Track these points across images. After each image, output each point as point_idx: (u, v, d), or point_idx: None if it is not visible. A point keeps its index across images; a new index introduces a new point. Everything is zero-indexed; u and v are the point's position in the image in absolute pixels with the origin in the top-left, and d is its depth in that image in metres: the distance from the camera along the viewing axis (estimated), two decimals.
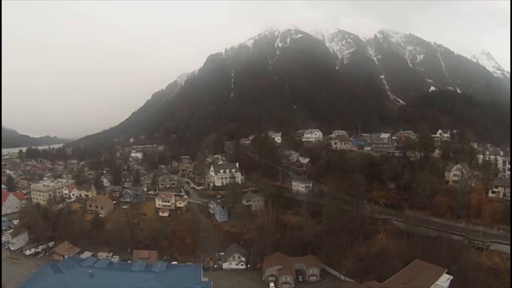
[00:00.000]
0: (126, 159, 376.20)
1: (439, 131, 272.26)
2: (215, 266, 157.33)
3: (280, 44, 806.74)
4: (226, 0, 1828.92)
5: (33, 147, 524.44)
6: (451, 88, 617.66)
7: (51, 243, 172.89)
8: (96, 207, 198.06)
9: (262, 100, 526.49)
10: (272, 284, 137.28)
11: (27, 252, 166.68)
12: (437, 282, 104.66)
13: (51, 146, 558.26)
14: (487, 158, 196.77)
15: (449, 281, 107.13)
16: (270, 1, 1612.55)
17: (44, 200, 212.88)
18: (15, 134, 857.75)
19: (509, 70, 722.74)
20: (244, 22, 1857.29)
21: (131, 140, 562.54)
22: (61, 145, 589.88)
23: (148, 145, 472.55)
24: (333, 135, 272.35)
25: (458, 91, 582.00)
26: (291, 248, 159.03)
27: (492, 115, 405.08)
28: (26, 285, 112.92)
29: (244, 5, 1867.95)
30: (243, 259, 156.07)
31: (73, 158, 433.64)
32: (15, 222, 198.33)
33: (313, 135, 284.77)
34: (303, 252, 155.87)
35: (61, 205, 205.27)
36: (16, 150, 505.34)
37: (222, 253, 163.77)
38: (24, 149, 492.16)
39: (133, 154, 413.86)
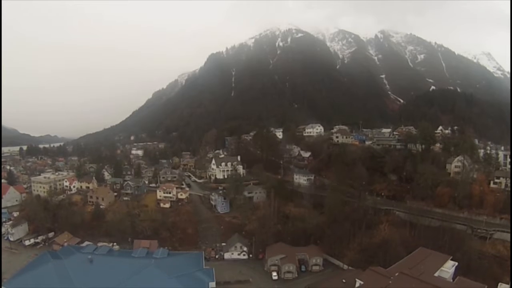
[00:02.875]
0: (127, 156, 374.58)
1: (440, 127, 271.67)
2: (217, 257, 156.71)
3: (281, 44, 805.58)
4: (227, 0, 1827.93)
5: (33, 145, 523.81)
6: (451, 88, 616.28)
7: (50, 234, 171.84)
8: (97, 198, 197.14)
9: (263, 99, 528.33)
10: (274, 273, 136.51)
11: (27, 243, 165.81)
12: (442, 268, 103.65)
13: (52, 145, 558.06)
14: (488, 152, 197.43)
15: (454, 267, 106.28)
16: (270, 1, 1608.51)
17: (44, 191, 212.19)
18: (15, 133, 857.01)
19: (509, 71, 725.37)
20: (244, 22, 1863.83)
21: (132, 138, 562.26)
22: (61, 144, 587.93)
23: (149, 143, 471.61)
24: (334, 130, 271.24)
25: (459, 91, 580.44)
26: (293, 239, 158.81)
27: (493, 114, 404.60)
28: (24, 271, 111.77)
29: (244, 5, 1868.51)
30: (245, 249, 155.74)
31: (73, 155, 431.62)
32: (15, 214, 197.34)
33: (314, 130, 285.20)
34: (306, 242, 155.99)
35: (61, 197, 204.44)
36: (16, 148, 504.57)
37: (224, 244, 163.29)
38: (24, 147, 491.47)
39: (133, 152, 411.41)
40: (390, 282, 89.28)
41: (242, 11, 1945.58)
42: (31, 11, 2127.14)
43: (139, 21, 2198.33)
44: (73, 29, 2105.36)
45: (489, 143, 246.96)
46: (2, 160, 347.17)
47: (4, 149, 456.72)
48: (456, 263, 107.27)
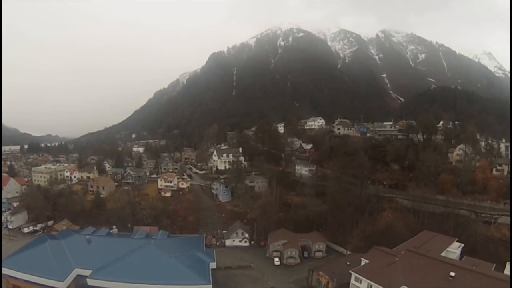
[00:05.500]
0: (129, 152, 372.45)
1: (441, 122, 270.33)
2: (218, 244, 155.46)
3: (282, 43, 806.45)
4: (228, 0, 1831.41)
5: (34, 143, 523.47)
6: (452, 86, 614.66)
7: (50, 222, 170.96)
8: (98, 187, 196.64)
9: (264, 97, 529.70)
10: (276, 259, 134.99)
11: (25, 230, 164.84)
12: (448, 249, 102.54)
13: (53, 144, 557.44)
14: (490, 142, 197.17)
15: (460, 248, 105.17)
16: (272, 1, 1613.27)
17: (45, 181, 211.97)
18: (16, 132, 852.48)
19: (510, 70, 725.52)
20: (246, 22, 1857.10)
21: (133, 135, 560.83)
22: (63, 142, 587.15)
23: (150, 140, 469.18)
24: (336, 122, 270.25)
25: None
26: (296, 226, 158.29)
27: (494, 111, 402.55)
28: (20, 251, 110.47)
29: (246, 4, 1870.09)
30: (246, 235, 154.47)
31: (74, 153, 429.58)
32: (15, 205, 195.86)
33: (316, 123, 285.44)
34: (308, 229, 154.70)
35: (62, 186, 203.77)
36: (17, 147, 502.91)
37: (225, 231, 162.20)
38: (26, 146, 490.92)
39: (135, 149, 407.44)
40: (397, 259, 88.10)
41: (243, 11, 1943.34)
42: (33, 10, 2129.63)
43: (141, 20, 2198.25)
44: (75, 29, 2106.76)
45: (490, 138, 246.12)
46: (3, 157, 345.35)
47: (5, 147, 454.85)
48: (462, 244, 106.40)
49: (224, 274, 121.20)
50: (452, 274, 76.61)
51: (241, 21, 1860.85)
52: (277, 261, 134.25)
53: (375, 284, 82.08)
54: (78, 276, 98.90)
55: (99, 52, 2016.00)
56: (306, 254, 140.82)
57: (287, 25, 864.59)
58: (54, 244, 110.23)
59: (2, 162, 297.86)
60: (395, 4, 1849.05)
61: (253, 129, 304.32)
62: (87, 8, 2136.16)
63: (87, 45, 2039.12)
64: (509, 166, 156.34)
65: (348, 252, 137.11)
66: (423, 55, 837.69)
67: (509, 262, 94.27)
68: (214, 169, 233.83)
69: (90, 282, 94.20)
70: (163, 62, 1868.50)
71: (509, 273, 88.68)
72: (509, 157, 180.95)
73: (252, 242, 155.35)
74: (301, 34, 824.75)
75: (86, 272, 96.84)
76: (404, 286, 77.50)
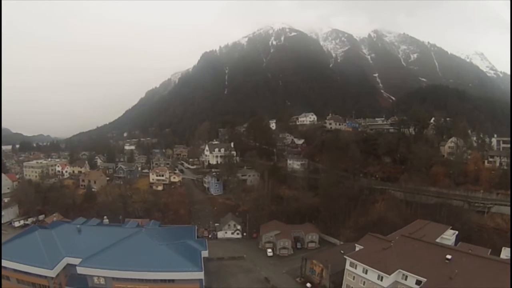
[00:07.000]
0: (120, 150, 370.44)
1: (433, 118, 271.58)
2: (210, 236, 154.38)
3: (274, 42, 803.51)
4: (220, 0, 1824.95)
5: (26, 142, 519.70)
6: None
7: (41, 216, 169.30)
8: (89, 181, 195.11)
9: (256, 96, 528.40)
10: (269, 250, 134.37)
11: (16, 224, 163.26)
12: (443, 236, 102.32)
13: (45, 143, 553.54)
14: (481, 136, 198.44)
15: (454, 235, 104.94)
16: (264, 1, 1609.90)
17: (36, 176, 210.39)
18: (8, 132, 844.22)
19: (503, 70, 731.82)
20: (238, 22, 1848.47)
21: (125, 134, 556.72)
22: (54, 141, 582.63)
23: (142, 139, 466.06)
24: (327, 117, 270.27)
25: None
26: (288, 218, 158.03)
27: (485, 110, 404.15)
28: (9, 241, 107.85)
29: (238, 4, 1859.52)
30: (238, 227, 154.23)
31: (66, 151, 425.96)
32: (6, 200, 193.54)
33: (307, 118, 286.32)
34: (301, 221, 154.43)
35: (53, 180, 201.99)
36: (9, 147, 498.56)
37: (217, 224, 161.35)
38: (17, 145, 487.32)
39: (126, 147, 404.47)
40: (392, 244, 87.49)
41: (235, 11, 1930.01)
42: (25, 9, 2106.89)
43: (133, 20, 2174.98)
44: (66, 28, 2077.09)
45: (482, 134, 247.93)
46: None
47: None
48: (457, 232, 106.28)
49: (216, 264, 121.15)
50: (449, 256, 76.29)
51: (233, 20, 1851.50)
52: (270, 252, 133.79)
53: (370, 268, 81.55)
54: (68, 265, 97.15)
55: (91, 51, 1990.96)
56: (299, 245, 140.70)
57: (279, 25, 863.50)
58: (44, 233, 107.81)
59: None
60: (387, 4, 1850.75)
61: (245, 125, 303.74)
62: (76, 6, 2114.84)
63: (79, 45, 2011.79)
64: (501, 158, 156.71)
65: (341, 243, 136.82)
66: (415, 55, 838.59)
67: (504, 248, 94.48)
68: (206, 163, 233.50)
69: (79, 270, 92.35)
70: (155, 62, 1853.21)
71: (504, 257, 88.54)
72: (502, 150, 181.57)
73: (245, 234, 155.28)
74: (293, 33, 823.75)
75: (76, 261, 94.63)
76: (401, 270, 77.24)
